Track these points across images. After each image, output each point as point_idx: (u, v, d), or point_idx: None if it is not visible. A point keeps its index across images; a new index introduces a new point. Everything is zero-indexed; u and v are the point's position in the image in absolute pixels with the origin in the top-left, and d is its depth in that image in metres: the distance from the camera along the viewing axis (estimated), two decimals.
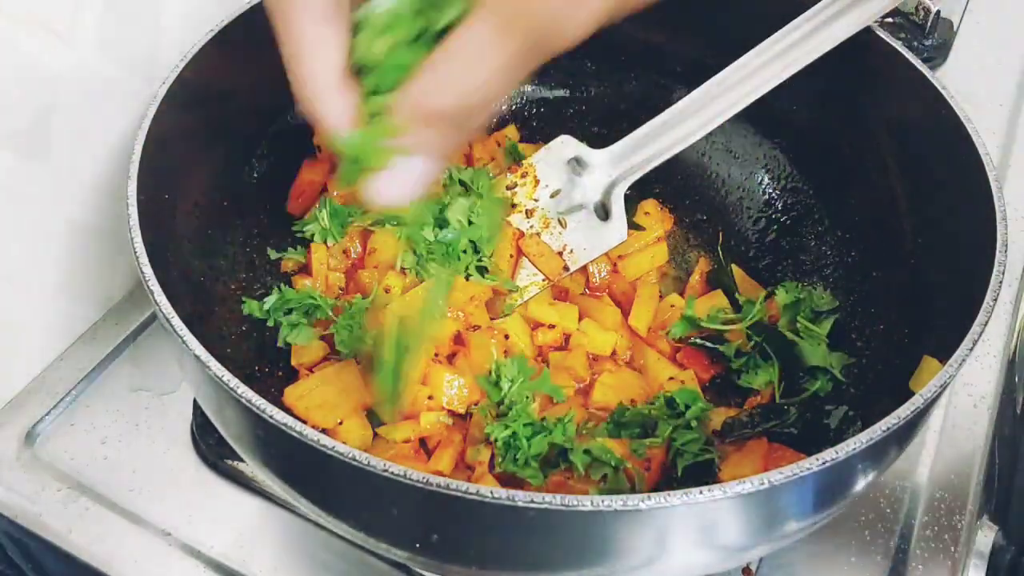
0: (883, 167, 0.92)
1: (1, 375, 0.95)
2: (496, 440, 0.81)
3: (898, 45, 0.87)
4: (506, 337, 0.92)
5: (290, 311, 0.91)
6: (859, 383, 0.87)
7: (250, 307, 0.91)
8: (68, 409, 0.96)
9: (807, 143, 1.02)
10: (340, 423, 0.84)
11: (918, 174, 0.88)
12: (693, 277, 1.02)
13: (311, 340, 0.90)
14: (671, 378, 0.91)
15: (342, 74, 0.54)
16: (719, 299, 0.97)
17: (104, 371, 0.99)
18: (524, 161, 1.04)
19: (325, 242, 0.98)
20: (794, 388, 0.89)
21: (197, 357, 0.64)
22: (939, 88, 0.83)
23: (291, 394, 0.85)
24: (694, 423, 0.83)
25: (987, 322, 0.68)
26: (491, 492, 0.56)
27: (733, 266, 1.01)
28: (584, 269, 1.00)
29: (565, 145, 1.01)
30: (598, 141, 0.99)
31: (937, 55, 1.34)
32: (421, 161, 0.54)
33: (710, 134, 0.92)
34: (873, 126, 0.93)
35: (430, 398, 0.86)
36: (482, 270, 0.97)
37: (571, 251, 0.99)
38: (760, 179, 1.06)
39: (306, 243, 0.98)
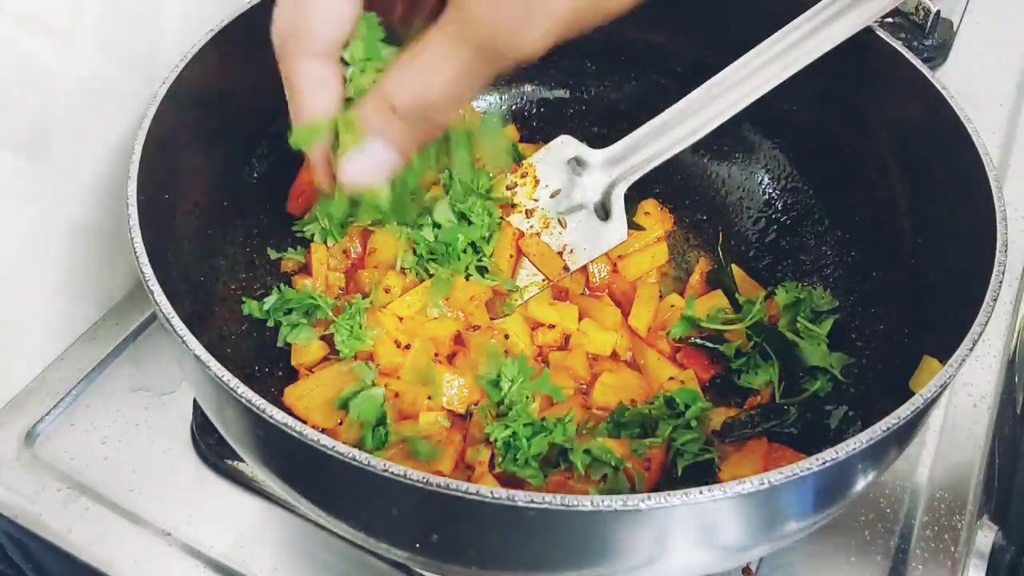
0: (883, 167, 0.92)
1: (1, 375, 0.95)
2: (496, 440, 0.81)
3: (898, 45, 0.87)
4: (506, 337, 0.92)
5: (290, 311, 0.91)
6: (859, 383, 0.87)
7: (250, 307, 0.91)
8: (68, 409, 0.96)
9: (807, 143, 1.02)
10: (340, 423, 0.84)
11: (918, 174, 0.88)
12: (693, 277, 1.02)
13: (311, 340, 0.90)
14: (671, 378, 0.91)
15: (339, 108, 0.62)
16: (719, 299, 0.97)
17: (104, 371, 0.99)
18: (524, 161, 1.04)
19: (325, 242, 0.98)
20: (794, 388, 0.89)
21: (197, 357, 0.64)
22: (939, 88, 0.83)
23: (291, 394, 0.85)
24: (694, 423, 0.83)
25: (987, 322, 0.68)
26: (491, 492, 0.56)
27: (733, 266, 1.01)
28: (584, 269, 1.00)
29: (565, 145, 1.01)
30: (598, 141, 0.99)
31: (937, 55, 1.34)
32: (382, 147, 0.61)
33: (710, 134, 0.92)
34: (873, 126, 0.93)
35: (430, 398, 0.86)
36: (482, 270, 0.97)
37: (571, 251, 0.99)
38: (760, 179, 1.06)
39: (306, 243, 0.98)
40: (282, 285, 0.94)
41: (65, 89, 0.87)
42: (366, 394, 0.83)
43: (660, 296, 0.99)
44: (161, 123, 0.80)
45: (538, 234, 1.00)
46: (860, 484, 0.68)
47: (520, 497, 0.56)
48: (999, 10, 1.44)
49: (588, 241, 0.99)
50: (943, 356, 0.67)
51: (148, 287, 0.69)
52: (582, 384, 0.91)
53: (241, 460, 0.89)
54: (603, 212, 0.98)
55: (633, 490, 0.78)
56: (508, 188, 1.02)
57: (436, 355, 0.90)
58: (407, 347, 0.89)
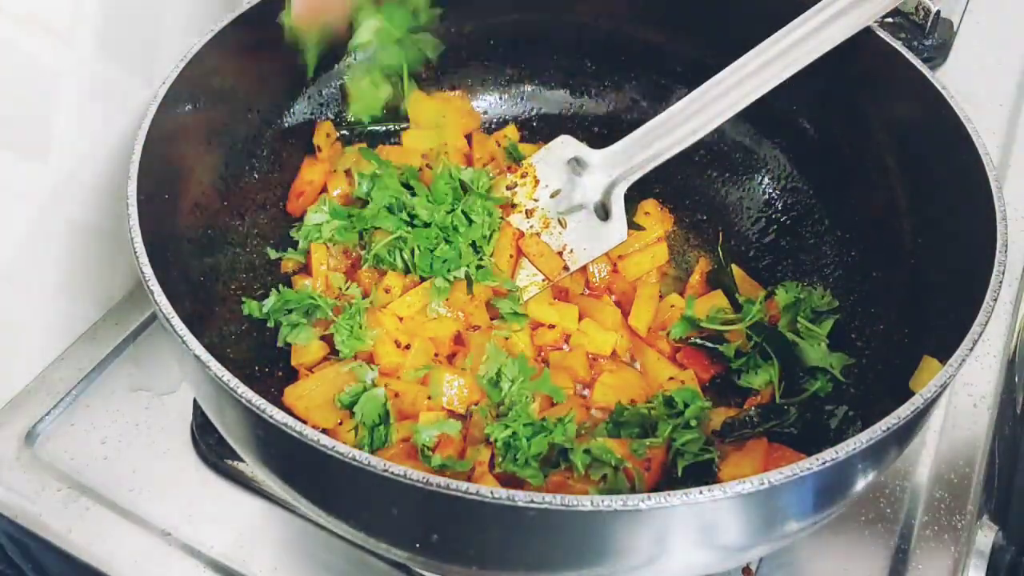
0: (883, 167, 0.92)
1: (1, 375, 0.95)
2: (496, 440, 0.81)
3: (898, 45, 0.87)
4: (506, 337, 0.92)
5: (290, 311, 0.91)
6: (859, 383, 0.87)
7: (250, 307, 0.91)
8: (68, 409, 0.96)
9: (807, 143, 1.02)
10: (340, 423, 0.84)
11: (918, 174, 0.88)
12: (693, 277, 1.02)
13: (311, 340, 0.90)
14: (671, 378, 0.91)
15: None
16: (719, 299, 0.97)
17: (104, 371, 0.99)
18: (524, 161, 1.04)
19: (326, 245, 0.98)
20: (794, 388, 0.89)
21: (197, 357, 0.64)
22: (939, 88, 0.83)
23: (291, 394, 0.85)
24: (694, 423, 0.83)
25: (987, 322, 0.68)
26: (491, 492, 0.56)
27: (733, 266, 1.01)
28: (584, 269, 1.00)
29: (565, 145, 1.01)
30: (598, 141, 0.99)
31: (937, 55, 1.34)
32: None
33: (710, 134, 0.92)
34: (873, 126, 0.93)
35: (430, 398, 0.86)
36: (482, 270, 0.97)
37: (571, 251, 0.99)
38: (760, 179, 1.06)
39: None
40: (281, 285, 0.94)
41: (65, 89, 0.87)
42: (369, 395, 0.83)
43: (660, 296, 0.99)
44: (161, 123, 0.80)
45: (538, 234, 1.00)
46: (860, 484, 0.68)
47: (520, 497, 0.56)
48: (999, 10, 1.44)
49: (588, 241, 0.99)
50: (943, 356, 0.67)
51: (148, 287, 0.69)
52: (582, 384, 0.91)
53: (241, 460, 0.89)
54: (603, 212, 0.98)
55: (633, 490, 0.78)
56: (508, 188, 1.02)
57: (436, 355, 0.90)
58: (407, 347, 0.89)
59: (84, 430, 0.94)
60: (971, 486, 0.91)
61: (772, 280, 0.99)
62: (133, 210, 0.73)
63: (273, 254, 0.97)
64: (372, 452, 0.81)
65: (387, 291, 0.93)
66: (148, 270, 0.70)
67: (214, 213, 0.91)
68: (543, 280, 0.99)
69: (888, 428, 0.61)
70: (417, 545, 0.66)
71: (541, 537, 0.60)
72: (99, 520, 0.87)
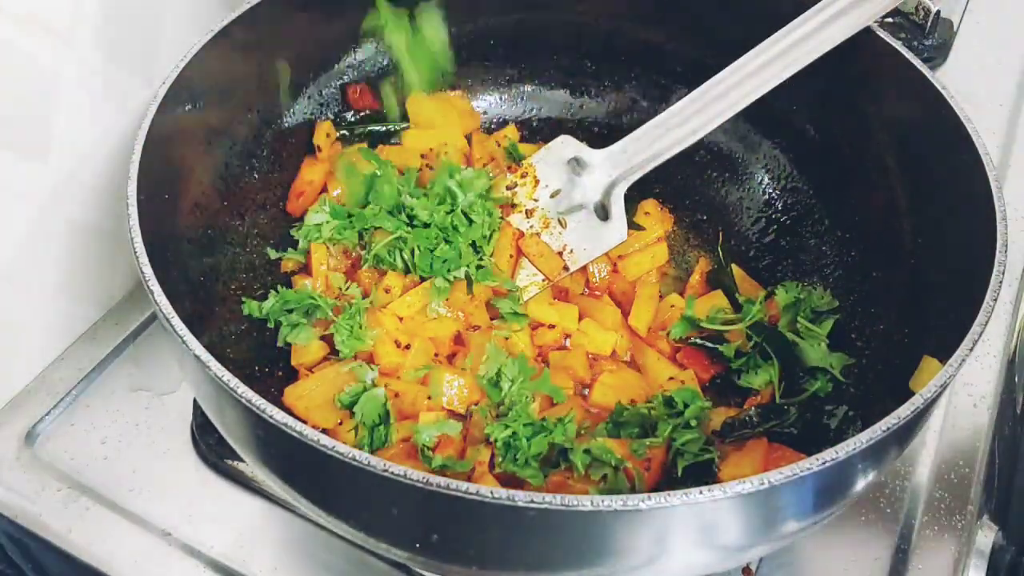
0: (883, 167, 0.92)
1: (1, 375, 0.95)
2: (496, 440, 0.81)
3: (898, 45, 0.87)
4: (506, 337, 0.92)
5: (290, 311, 0.91)
6: (859, 383, 0.87)
7: (250, 307, 0.91)
8: (68, 409, 0.96)
9: (807, 143, 1.02)
10: (340, 423, 0.84)
11: (918, 174, 0.88)
12: (693, 277, 1.02)
13: (311, 340, 0.90)
14: (671, 378, 0.91)
15: None
16: (719, 299, 0.97)
17: (104, 371, 0.99)
18: (524, 161, 1.04)
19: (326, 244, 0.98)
20: (794, 388, 0.89)
21: (197, 357, 0.64)
22: (939, 88, 0.83)
23: (291, 394, 0.85)
24: (694, 423, 0.83)
25: (987, 322, 0.68)
26: (491, 492, 0.56)
27: (733, 266, 1.01)
28: (584, 269, 1.00)
29: (565, 145, 1.01)
30: (598, 141, 0.99)
31: (937, 55, 1.34)
32: None
33: (710, 134, 0.92)
34: (873, 126, 0.93)
35: (430, 398, 0.86)
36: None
37: (571, 251, 0.99)
38: (760, 179, 1.06)
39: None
40: (280, 286, 0.94)
41: (65, 89, 0.87)
42: (369, 395, 0.83)
43: (660, 296, 0.99)
44: (161, 123, 0.80)
45: (538, 234, 1.00)
46: (860, 484, 0.68)
47: (520, 497, 0.56)
48: (999, 10, 1.44)
49: (588, 241, 0.99)
50: (943, 356, 0.67)
51: (148, 287, 0.69)
52: (582, 384, 0.91)
53: (241, 460, 0.89)
54: (603, 212, 0.98)
55: (633, 490, 0.78)
56: (508, 188, 1.02)
57: (436, 355, 0.90)
58: (407, 347, 0.89)
59: (84, 430, 0.94)
60: (971, 486, 0.91)
61: (772, 280, 0.99)
62: (133, 210, 0.73)
63: (273, 254, 0.97)
64: (372, 452, 0.81)
65: (387, 291, 0.93)
66: (148, 270, 0.70)
67: (214, 213, 0.91)
68: (543, 280, 0.99)
69: (888, 428, 0.61)
70: (417, 545, 0.66)
71: (541, 537, 0.60)
72: (99, 520, 0.87)
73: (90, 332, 1.02)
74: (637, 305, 0.97)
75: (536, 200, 1.01)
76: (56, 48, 0.85)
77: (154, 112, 0.80)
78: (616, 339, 0.94)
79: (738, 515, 0.62)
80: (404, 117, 1.08)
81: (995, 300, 0.69)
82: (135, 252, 0.71)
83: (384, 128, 1.08)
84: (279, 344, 0.91)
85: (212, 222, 0.91)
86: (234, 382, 0.62)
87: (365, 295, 0.93)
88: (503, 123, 1.13)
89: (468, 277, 0.94)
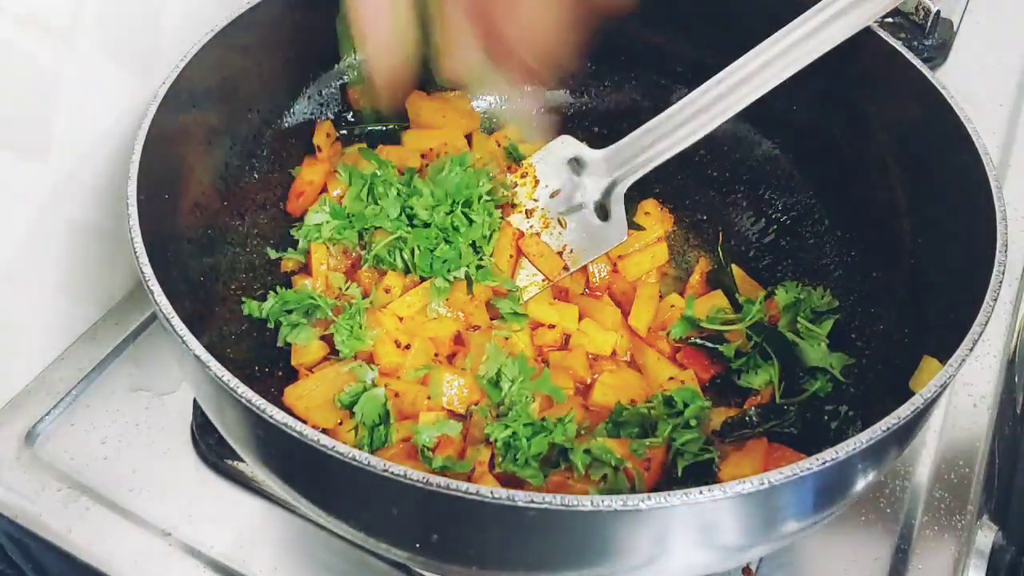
0: (883, 167, 0.92)
1: (1, 375, 0.95)
2: (496, 440, 0.81)
3: (898, 45, 0.87)
4: (506, 337, 0.92)
5: (290, 311, 0.91)
6: (859, 383, 0.87)
7: (250, 307, 0.91)
8: (68, 409, 0.96)
9: (807, 143, 1.02)
10: (340, 423, 0.84)
11: (918, 174, 0.88)
12: (693, 277, 1.02)
13: (311, 340, 0.90)
14: (671, 378, 0.91)
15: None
16: (719, 299, 0.97)
17: (104, 371, 0.99)
18: (524, 161, 1.04)
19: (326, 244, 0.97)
20: (794, 388, 0.89)
21: (197, 357, 0.64)
22: (939, 88, 0.83)
23: (291, 394, 0.85)
24: (694, 423, 0.83)
25: (987, 322, 0.68)
26: (491, 492, 0.56)
27: (733, 266, 1.01)
28: (584, 269, 1.00)
29: (565, 145, 1.01)
30: (598, 141, 0.99)
31: (937, 55, 1.34)
32: None
33: (710, 134, 0.92)
34: (873, 126, 0.93)
35: (430, 398, 0.86)
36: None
37: (571, 251, 0.99)
38: (760, 179, 1.06)
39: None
40: (279, 287, 0.93)
41: (65, 89, 0.87)
42: (369, 395, 0.83)
43: (660, 296, 0.99)
44: (161, 123, 0.80)
45: (538, 234, 1.00)
46: (860, 484, 0.68)
47: (520, 497, 0.56)
48: (999, 10, 1.44)
49: (588, 241, 0.99)
50: (943, 356, 0.67)
51: (148, 287, 0.69)
52: (582, 384, 0.91)
53: (241, 460, 0.89)
54: (603, 212, 0.98)
55: (633, 490, 0.78)
56: (508, 188, 1.02)
57: (436, 355, 0.90)
58: (407, 347, 0.89)
59: (84, 430, 0.94)
60: (971, 486, 0.91)
61: (772, 280, 0.99)
62: (133, 210, 0.73)
63: (273, 254, 0.97)
64: (372, 452, 0.81)
65: (387, 291, 0.93)
66: (148, 270, 0.70)
67: (214, 213, 0.91)
68: (543, 280, 0.99)
69: (888, 428, 0.61)
70: (417, 545, 0.66)
71: (541, 537, 0.60)
72: (99, 520, 0.87)
73: (90, 332, 1.02)
74: (637, 305, 0.97)
75: (536, 200, 1.01)
76: (56, 48, 0.85)
77: (154, 112, 0.80)
78: (616, 339, 0.94)
79: (738, 515, 0.62)
80: (404, 117, 1.08)
81: (995, 300, 0.69)
82: (135, 252, 0.71)
83: (384, 128, 1.08)
84: (279, 344, 0.91)
85: (212, 222, 0.91)
86: (234, 382, 0.62)
87: (365, 295, 0.93)
88: (503, 123, 1.13)
89: (468, 277, 0.94)
